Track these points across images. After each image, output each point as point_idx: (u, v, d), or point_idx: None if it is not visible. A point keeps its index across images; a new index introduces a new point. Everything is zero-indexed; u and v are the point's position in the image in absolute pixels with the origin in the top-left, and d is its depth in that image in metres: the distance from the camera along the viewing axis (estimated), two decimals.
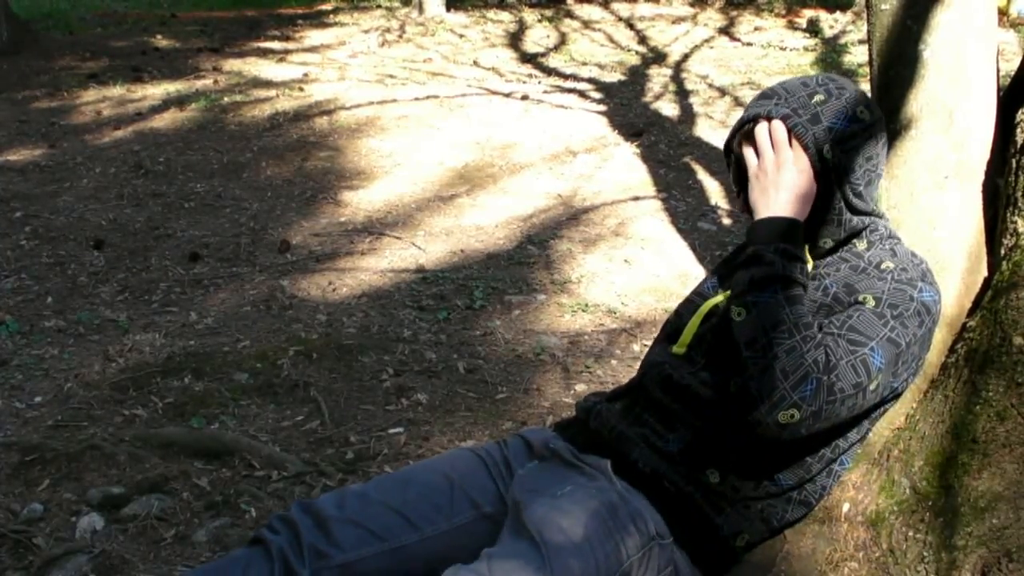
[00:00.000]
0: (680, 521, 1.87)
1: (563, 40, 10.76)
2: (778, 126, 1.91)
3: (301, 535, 1.87)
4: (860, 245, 1.97)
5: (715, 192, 5.85)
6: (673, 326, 2.13)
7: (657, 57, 9.81)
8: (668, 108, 7.79)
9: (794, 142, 1.90)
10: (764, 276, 1.82)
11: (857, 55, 9.04)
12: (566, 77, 9.01)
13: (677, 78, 8.86)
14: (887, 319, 1.79)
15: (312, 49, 10.36)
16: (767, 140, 1.92)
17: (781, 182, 1.89)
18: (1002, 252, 1.99)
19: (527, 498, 1.84)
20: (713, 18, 11.60)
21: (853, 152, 1.91)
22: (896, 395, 1.93)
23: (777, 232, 1.87)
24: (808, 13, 11.25)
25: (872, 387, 1.77)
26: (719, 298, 2.06)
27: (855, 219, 1.95)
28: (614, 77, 9.02)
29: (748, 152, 1.96)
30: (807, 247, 1.96)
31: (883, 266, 1.90)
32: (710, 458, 1.90)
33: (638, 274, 4.58)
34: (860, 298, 1.84)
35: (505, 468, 2.03)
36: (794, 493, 1.94)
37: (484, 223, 5.33)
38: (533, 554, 1.70)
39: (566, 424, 2.15)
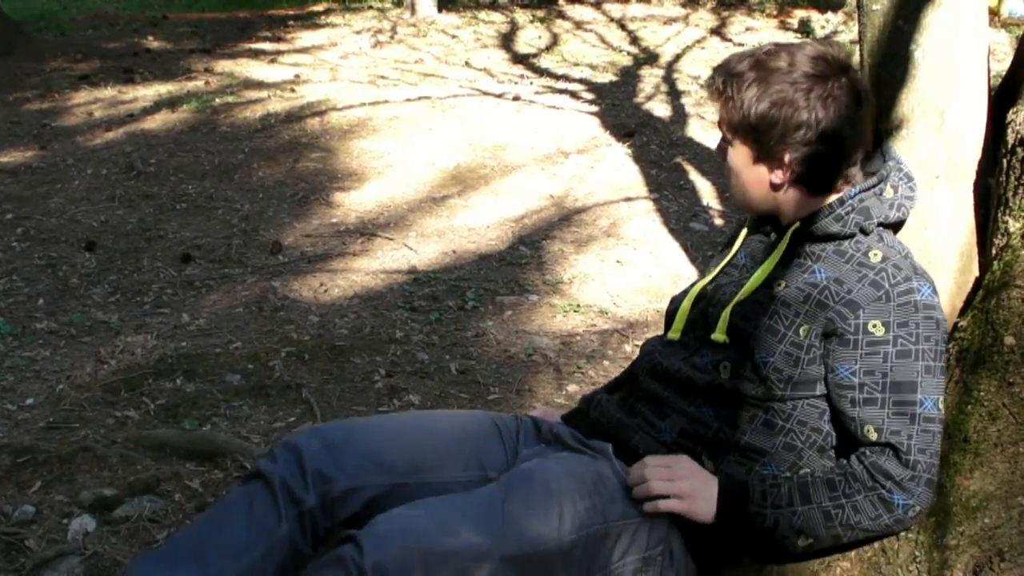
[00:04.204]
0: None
1: (555, 41, 10.76)
2: None
3: (305, 460, 1.88)
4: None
5: (707, 192, 5.85)
6: (669, 314, 2.14)
7: (649, 58, 9.81)
8: (660, 109, 7.80)
9: None
10: (773, 536, 1.84)
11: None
12: (558, 78, 9.01)
13: (669, 79, 8.87)
14: (909, 347, 1.79)
15: (304, 50, 10.34)
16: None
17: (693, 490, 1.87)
18: (993, 252, 2.00)
19: (521, 460, 1.95)
20: (705, 19, 11.61)
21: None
22: None
23: (728, 516, 1.86)
24: (799, 13, 11.27)
25: (942, 412, 1.81)
26: (706, 280, 2.07)
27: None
28: (606, 78, 9.03)
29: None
30: (800, 224, 1.94)
31: (871, 256, 1.87)
32: (704, 444, 1.92)
33: (630, 275, 4.58)
34: (867, 325, 1.80)
35: (516, 440, 2.08)
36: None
37: (476, 224, 5.33)
38: (494, 489, 1.81)
39: (570, 415, 2.19)
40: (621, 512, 1.84)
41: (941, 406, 1.79)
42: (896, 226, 1.97)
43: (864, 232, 1.89)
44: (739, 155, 1.94)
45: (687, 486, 1.84)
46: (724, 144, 1.98)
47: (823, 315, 1.83)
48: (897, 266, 1.85)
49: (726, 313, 1.93)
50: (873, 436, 1.79)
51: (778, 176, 1.91)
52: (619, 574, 1.83)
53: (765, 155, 1.90)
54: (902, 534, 1.89)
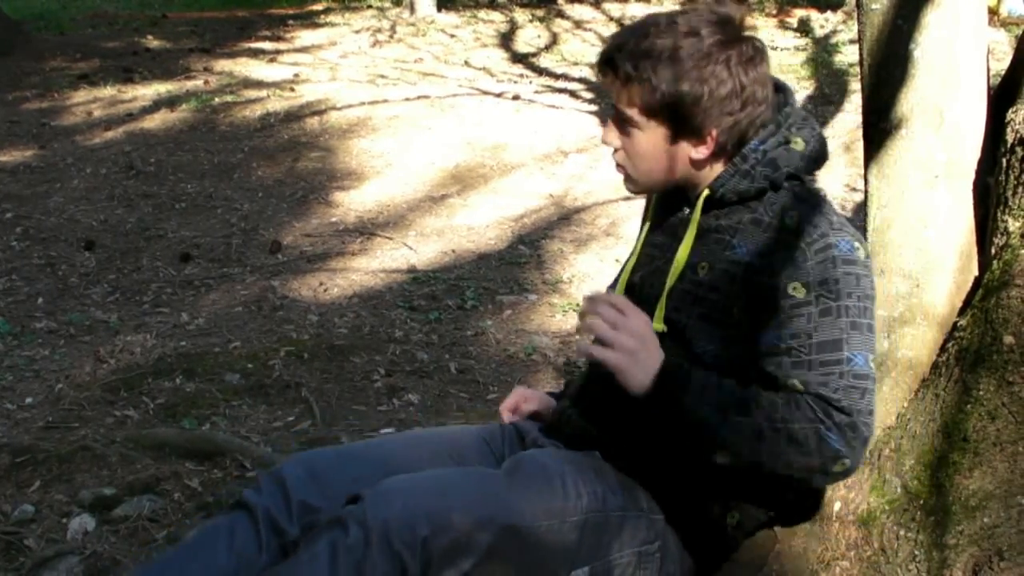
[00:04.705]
0: (669, 501, 1.87)
1: (554, 40, 10.76)
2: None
3: (289, 491, 1.84)
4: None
5: None
6: None
7: None
8: None
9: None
10: (694, 438, 1.77)
11: (848, 55, 9.05)
12: (557, 77, 9.01)
13: None
14: (831, 305, 1.71)
15: (303, 49, 10.34)
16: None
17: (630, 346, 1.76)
18: (993, 251, 2.00)
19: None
20: None
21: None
22: None
23: (660, 396, 1.77)
24: (799, 13, 11.27)
25: (874, 370, 1.73)
26: (630, 268, 2.01)
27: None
28: None
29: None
30: (709, 191, 1.85)
31: (787, 219, 1.79)
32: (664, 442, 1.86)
33: None
34: (787, 288, 1.73)
35: (503, 449, 2.05)
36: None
37: (475, 223, 5.33)
38: (496, 471, 1.81)
39: (547, 429, 2.12)
40: (620, 504, 1.82)
41: (872, 364, 1.72)
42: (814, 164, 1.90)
43: (775, 186, 1.82)
44: (650, 137, 1.83)
45: (632, 344, 1.75)
46: (627, 128, 1.84)
47: (748, 291, 1.77)
48: (813, 223, 1.77)
49: (660, 305, 1.87)
50: (801, 388, 1.72)
51: (702, 151, 1.82)
52: (615, 567, 1.82)
53: (687, 132, 1.80)
54: (902, 533, 1.89)
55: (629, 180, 1.93)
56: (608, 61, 1.81)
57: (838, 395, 1.68)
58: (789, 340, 1.73)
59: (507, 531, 1.69)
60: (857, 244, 1.76)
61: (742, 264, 1.78)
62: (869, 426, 1.70)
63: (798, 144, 1.84)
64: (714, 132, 1.79)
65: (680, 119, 1.79)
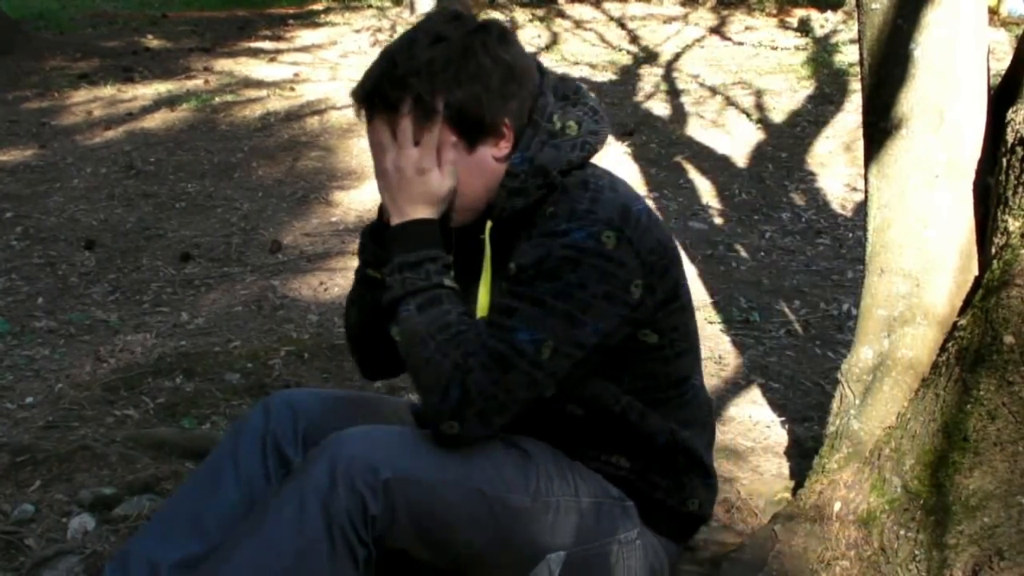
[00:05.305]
0: (636, 497, 1.86)
1: (554, 40, 10.76)
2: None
3: (299, 417, 1.87)
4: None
5: (706, 191, 5.86)
6: None
7: (648, 57, 9.82)
8: (659, 107, 7.80)
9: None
10: (391, 300, 1.72)
11: (848, 54, 9.05)
12: None
13: (668, 77, 8.87)
14: (527, 284, 1.65)
15: (303, 49, 10.34)
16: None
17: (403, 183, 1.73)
18: (993, 251, 2.00)
19: None
20: (704, 17, 11.60)
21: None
22: (634, 337, 1.76)
23: (398, 242, 1.73)
24: (799, 12, 11.27)
25: (545, 357, 1.63)
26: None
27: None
28: (605, 76, 9.03)
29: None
30: (491, 226, 1.78)
31: (548, 212, 1.72)
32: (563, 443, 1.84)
33: None
34: (510, 268, 1.69)
35: None
36: (672, 444, 1.85)
37: None
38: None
39: None
40: (591, 491, 1.79)
41: (545, 351, 1.63)
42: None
43: (552, 188, 1.73)
44: (451, 156, 1.73)
45: (392, 175, 1.74)
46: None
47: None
48: (560, 215, 1.69)
49: None
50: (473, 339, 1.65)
51: (503, 147, 1.74)
52: (595, 556, 1.80)
53: (482, 134, 1.72)
54: (902, 533, 1.89)
55: (453, 212, 1.80)
56: (369, 100, 1.75)
57: (483, 354, 1.62)
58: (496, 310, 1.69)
59: (473, 494, 1.67)
60: (600, 233, 1.64)
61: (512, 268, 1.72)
62: (493, 402, 1.63)
63: (571, 129, 1.76)
64: (507, 121, 1.73)
65: (470, 125, 1.72)
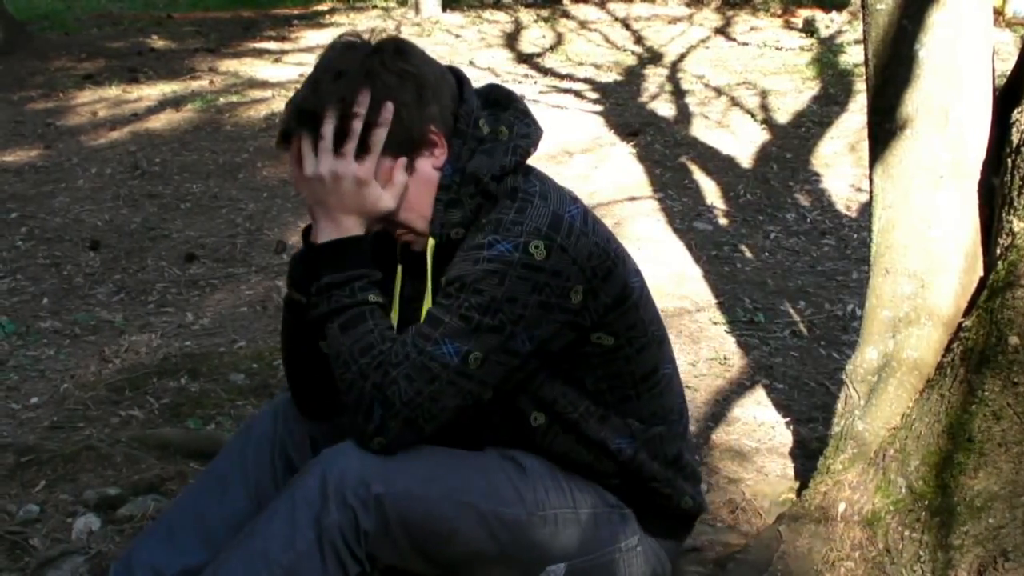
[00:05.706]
0: (630, 500, 1.86)
1: (559, 40, 10.76)
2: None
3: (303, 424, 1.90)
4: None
5: (711, 192, 5.85)
6: None
7: (653, 57, 9.81)
8: (664, 108, 7.79)
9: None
10: (316, 317, 1.70)
11: (853, 55, 9.04)
12: (562, 77, 9.01)
13: (673, 78, 8.86)
14: (453, 298, 1.63)
15: (308, 49, 10.34)
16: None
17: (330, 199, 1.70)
18: (998, 252, 1.99)
19: None
20: (709, 18, 11.59)
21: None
22: (588, 341, 1.74)
23: (324, 260, 1.71)
24: (804, 13, 11.25)
25: (473, 367, 1.62)
26: (394, 319, 1.87)
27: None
28: (610, 77, 9.03)
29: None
30: (433, 243, 1.76)
31: (479, 225, 1.69)
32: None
33: None
34: (441, 281, 1.67)
35: None
36: (641, 442, 1.82)
37: None
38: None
39: None
40: (590, 502, 1.80)
41: (472, 362, 1.62)
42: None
43: (488, 196, 1.71)
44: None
45: (328, 182, 1.68)
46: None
47: None
48: (490, 226, 1.67)
49: None
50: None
51: (439, 153, 1.73)
52: (596, 565, 1.80)
53: (416, 146, 1.71)
54: (907, 534, 1.89)
55: (413, 236, 1.79)
56: (289, 130, 1.76)
57: (406, 365, 1.61)
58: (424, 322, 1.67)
59: (466, 508, 1.67)
60: (528, 244, 1.63)
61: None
62: (418, 409, 1.61)
63: (501, 134, 1.76)
64: (432, 128, 1.71)
65: (399, 143, 1.70)
